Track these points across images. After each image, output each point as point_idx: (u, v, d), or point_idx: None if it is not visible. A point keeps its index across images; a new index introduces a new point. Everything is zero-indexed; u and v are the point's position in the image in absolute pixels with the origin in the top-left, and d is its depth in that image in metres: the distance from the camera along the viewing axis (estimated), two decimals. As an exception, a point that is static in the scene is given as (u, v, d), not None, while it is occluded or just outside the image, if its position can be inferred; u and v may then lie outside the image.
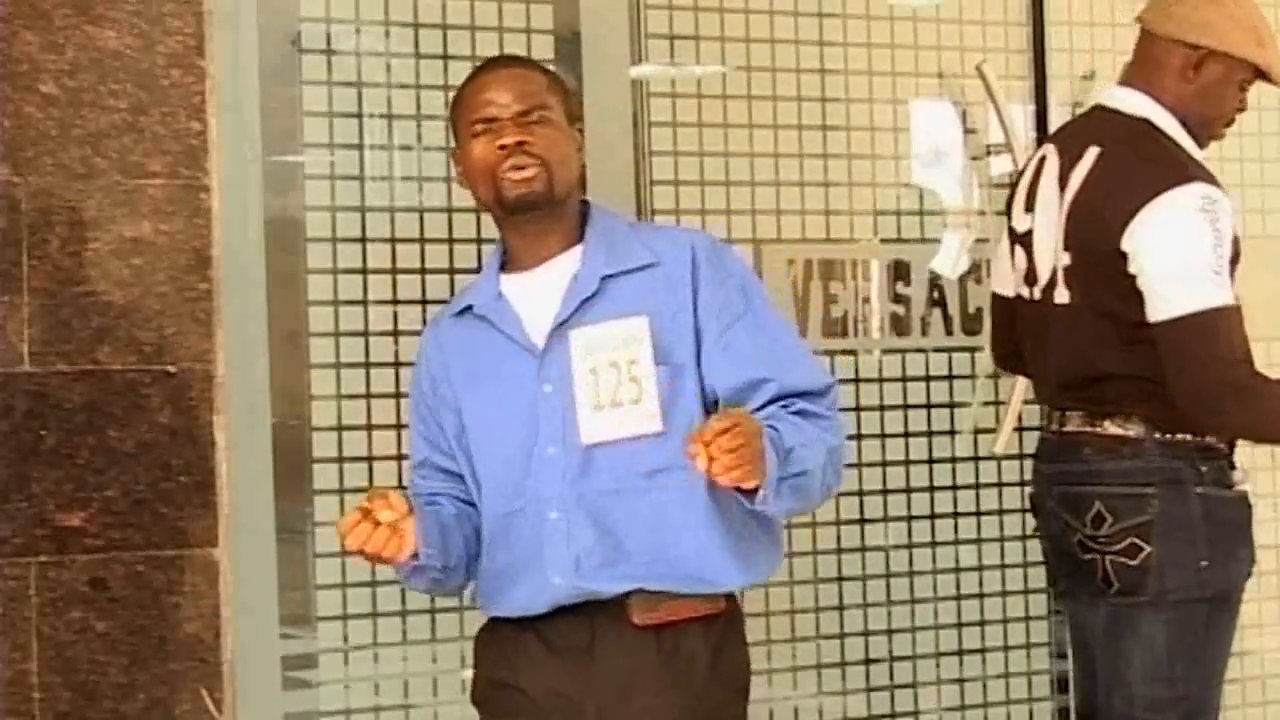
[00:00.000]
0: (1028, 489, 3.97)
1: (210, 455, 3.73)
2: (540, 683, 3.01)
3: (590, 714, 2.98)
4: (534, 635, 3.03)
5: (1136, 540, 3.61)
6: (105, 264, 3.70)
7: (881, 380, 4.71)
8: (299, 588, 4.08)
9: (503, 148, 3.02)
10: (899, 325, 4.72)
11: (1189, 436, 3.65)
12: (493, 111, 3.05)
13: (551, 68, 4.12)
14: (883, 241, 4.77)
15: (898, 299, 4.73)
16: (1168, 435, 3.64)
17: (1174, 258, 3.53)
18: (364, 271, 4.15)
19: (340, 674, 4.13)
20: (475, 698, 3.14)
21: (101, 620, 3.66)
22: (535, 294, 3.06)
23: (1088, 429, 3.70)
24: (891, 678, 4.72)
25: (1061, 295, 3.72)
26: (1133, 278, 3.58)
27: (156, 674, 3.69)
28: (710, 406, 3.02)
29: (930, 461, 4.75)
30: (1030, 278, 3.82)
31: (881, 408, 4.69)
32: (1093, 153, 3.71)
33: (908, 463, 4.74)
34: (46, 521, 3.63)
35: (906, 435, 4.73)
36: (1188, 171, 3.62)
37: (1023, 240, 3.84)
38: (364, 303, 4.14)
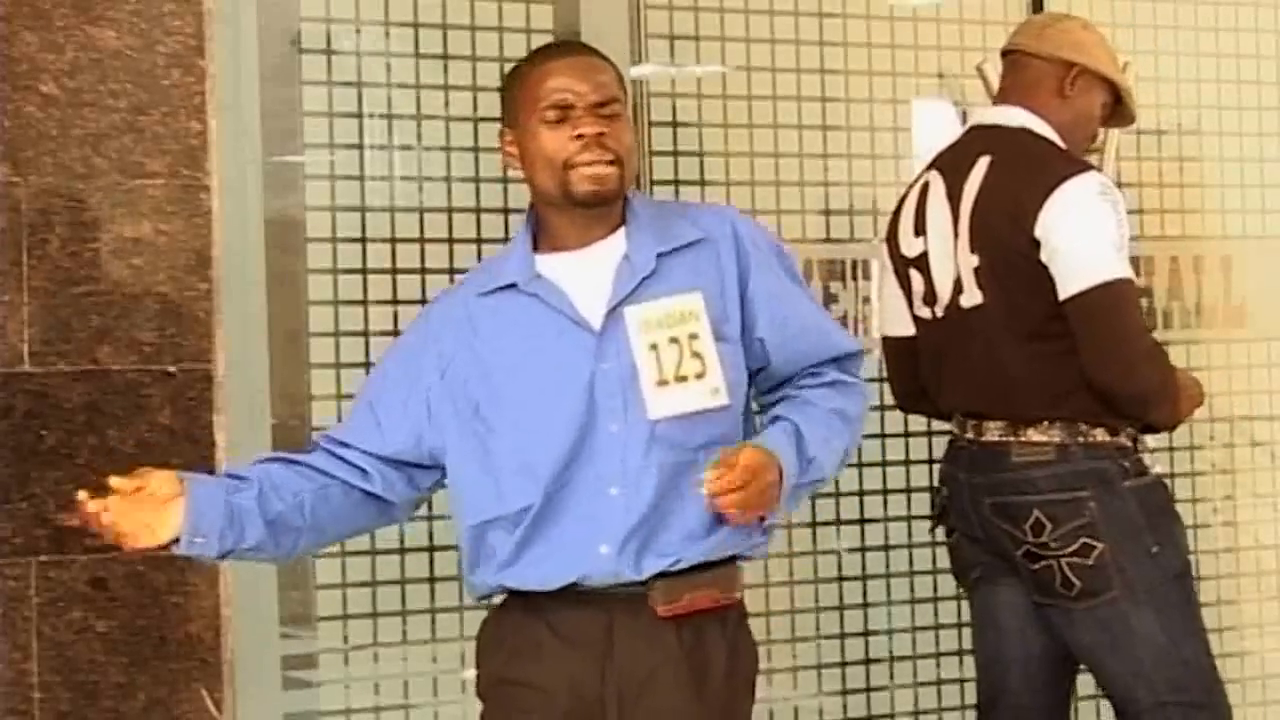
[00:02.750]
0: (939, 488, 3.97)
1: (210, 455, 3.73)
2: (556, 677, 2.98)
3: (611, 708, 2.97)
4: (546, 628, 3.00)
5: (1087, 540, 3.69)
6: (105, 264, 3.70)
7: (881, 380, 4.70)
8: (299, 588, 4.08)
9: (580, 137, 2.99)
10: (899, 325, 4.71)
11: (1106, 437, 3.74)
12: (570, 99, 3.00)
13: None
14: (883, 241, 4.77)
15: (898, 299, 4.73)
16: (1088, 439, 3.73)
17: (1082, 235, 3.67)
18: (364, 271, 4.15)
19: (340, 674, 4.13)
20: (481, 692, 3.12)
21: (101, 620, 3.66)
22: (578, 274, 3.03)
23: (1011, 438, 3.77)
24: (891, 678, 4.72)
25: (972, 298, 3.80)
26: (1043, 267, 3.68)
27: (156, 674, 3.69)
28: (754, 375, 3.08)
29: (930, 461, 4.75)
30: (930, 298, 3.89)
31: (881, 407, 4.67)
32: (984, 161, 3.82)
33: (908, 463, 4.75)
34: (46, 521, 3.63)
35: (906, 435, 4.74)
36: (1085, 163, 3.81)
37: (916, 263, 3.91)
38: (364, 303, 4.14)
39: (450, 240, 4.23)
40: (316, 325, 4.12)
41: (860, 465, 4.65)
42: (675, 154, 4.51)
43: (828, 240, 4.71)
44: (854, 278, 4.71)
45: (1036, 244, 3.68)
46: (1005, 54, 4.00)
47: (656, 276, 3.01)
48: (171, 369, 3.73)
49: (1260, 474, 5.24)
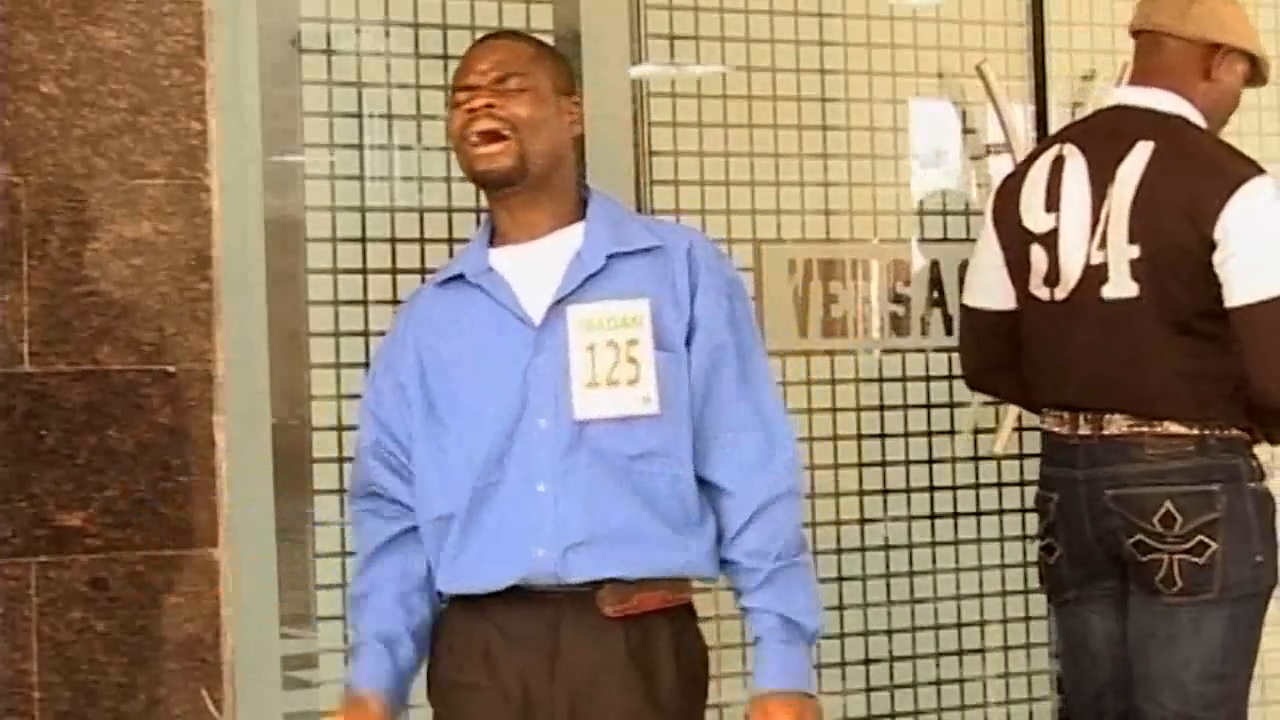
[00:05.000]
0: (1048, 495, 3.91)
1: (210, 455, 3.73)
2: (505, 678, 2.98)
3: (561, 708, 2.96)
4: (494, 629, 2.99)
5: (1204, 538, 3.64)
6: (105, 264, 3.70)
7: (881, 380, 4.71)
8: (299, 588, 4.08)
9: (470, 111, 3.00)
10: (899, 325, 4.72)
11: (1239, 432, 3.69)
12: (472, 79, 3.03)
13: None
14: (882, 241, 4.77)
15: (898, 299, 4.74)
16: (1226, 432, 3.68)
17: (1265, 243, 3.59)
18: (364, 271, 4.15)
19: (340, 674, 4.12)
20: (431, 698, 3.12)
21: (101, 620, 3.66)
22: (528, 267, 3.03)
23: (1145, 429, 3.68)
24: (891, 678, 4.72)
25: (1121, 289, 3.70)
26: (1209, 266, 3.61)
27: (156, 674, 3.69)
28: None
29: (930, 461, 4.75)
30: (1052, 278, 3.80)
31: (881, 408, 4.69)
32: (1145, 148, 3.71)
33: (908, 463, 4.74)
34: (46, 521, 3.63)
35: (906, 435, 4.73)
36: (1255, 163, 3.72)
37: (1043, 240, 3.82)
38: (364, 303, 4.14)
39: (450, 240, 4.23)
40: (316, 325, 4.12)
41: (860, 465, 4.65)
42: (675, 154, 4.50)
43: (828, 240, 4.70)
44: (854, 278, 4.71)
45: (1212, 245, 3.60)
46: (1138, 33, 3.89)
47: (606, 276, 3.00)
48: (171, 369, 3.73)
49: (1260, 474, 5.23)
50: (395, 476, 3.12)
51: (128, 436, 3.69)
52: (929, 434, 4.75)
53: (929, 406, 4.74)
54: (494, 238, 3.11)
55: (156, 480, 3.70)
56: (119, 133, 3.72)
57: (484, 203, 4.23)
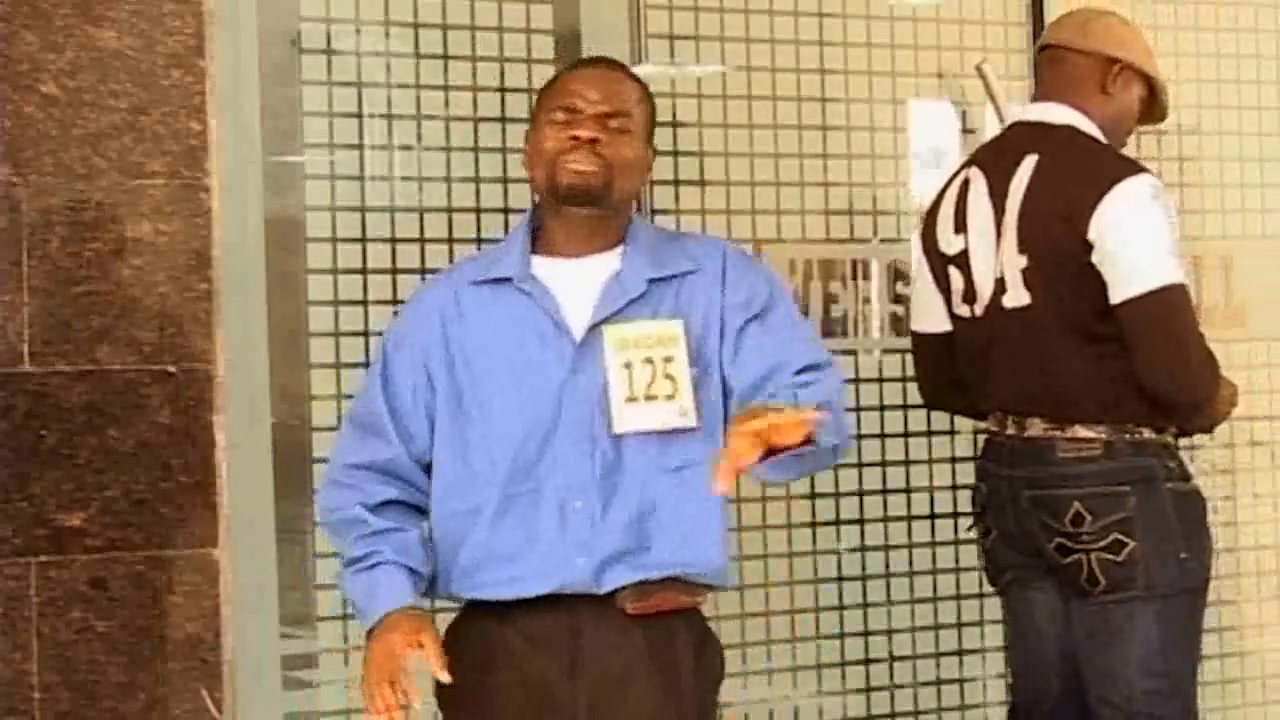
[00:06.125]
0: (978, 485, 3.95)
1: (210, 455, 3.73)
2: (525, 678, 3.00)
3: (581, 708, 2.98)
4: (515, 631, 3.02)
5: (1120, 536, 3.68)
6: (105, 264, 3.70)
7: (881, 380, 4.71)
8: (299, 588, 4.08)
9: (574, 139, 3.03)
10: (899, 325, 4.71)
11: (1152, 435, 3.73)
12: (578, 103, 3.06)
13: (551, 68, 4.14)
14: (883, 241, 4.78)
15: (898, 299, 4.74)
16: (1134, 435, 3.72)
17: (1138, 238, 3.64)
18: (364, 271, 4.16)
19: (340, 674, 4.13)
20: (445, 699, 3.11)
21: (101, 620, 3.66)
22: (570, 282, 3.07)
23: (1056, 433, 3.75)
24: (891, 678, 4.72)
25: (1017, 298, 3.77)
26: (1094, 268, 3.66)
27: (156, 674, 3.69)
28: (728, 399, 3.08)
29: (930, 461, 4.76)
30: (970, 296, 3.87)
31: (881, 408, 4.69)
32: (1030, 160, 3.79)
33: (908, 463, 4.75)
34: (46, 521, 3.63)
35: (906, 435, 4.74)
36: (1135, 164, 3.79)
37: (955, 261, 3.89)
38: (364, 303, 4.14)
39: (450, 240, 4.23)
40: (316, 325, 4.12)
41: (860, 465, 4.64)
42: (675, 154, 4.51)
43: (828, 240, 4.71)
44: (854, 278, 4.71)
45: (1089, 246, 3.65)
46: (1043, 49, 3.97)
47: (644, 300, 3.06)
48: (171, 369, 3.73)
49: (1260, 474, 5.24)
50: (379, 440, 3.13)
51: (128, 436, 3.69)
52: (929, 434, 4.75)
53: (929, 406, 4.74)
54: (535, 244, 3.13)
55: (156, 480, 3.70)
56: (119, 133, 3.72)
57: (484, 203, 4.28)
